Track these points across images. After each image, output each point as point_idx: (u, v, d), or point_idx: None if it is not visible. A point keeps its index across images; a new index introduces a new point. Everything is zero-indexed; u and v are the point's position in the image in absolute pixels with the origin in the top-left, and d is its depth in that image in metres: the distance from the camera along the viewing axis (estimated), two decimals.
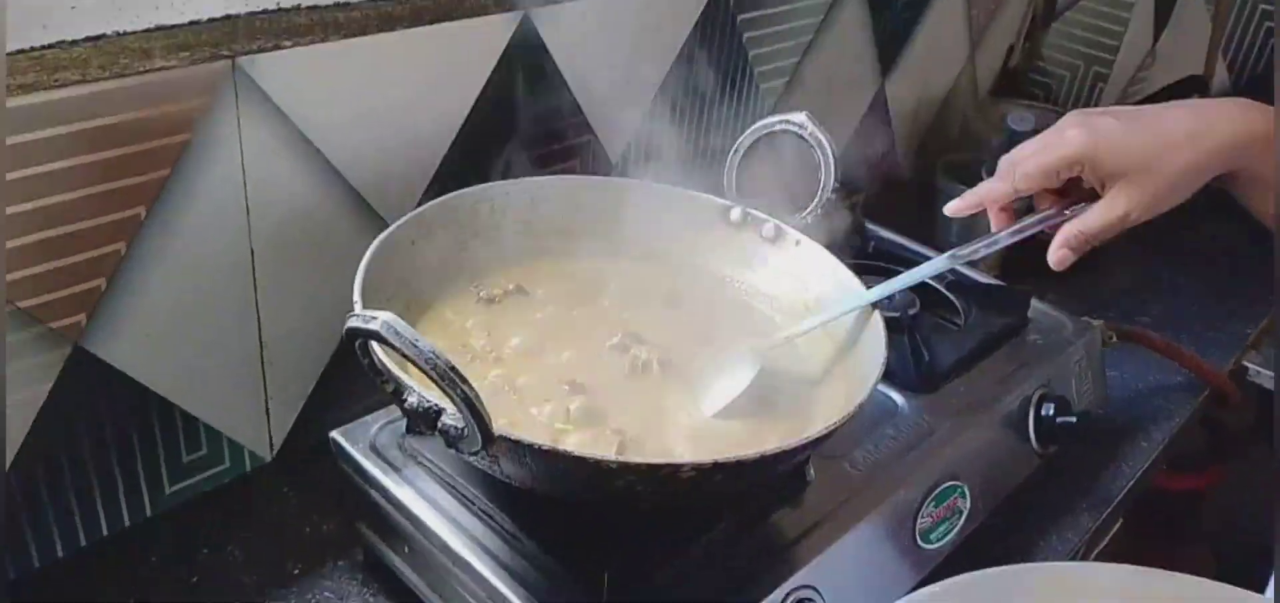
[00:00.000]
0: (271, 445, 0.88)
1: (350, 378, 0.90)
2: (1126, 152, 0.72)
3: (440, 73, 0.84)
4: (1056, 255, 0.76)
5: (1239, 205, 0.78)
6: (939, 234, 1.31)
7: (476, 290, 0.78)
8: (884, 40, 1.36)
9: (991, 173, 1.27)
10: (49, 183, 0.66)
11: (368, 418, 0.77)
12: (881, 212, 1.17)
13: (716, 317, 0.81)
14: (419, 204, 0.85)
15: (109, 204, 0.69)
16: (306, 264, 0.82)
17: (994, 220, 0.79)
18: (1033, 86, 1.69)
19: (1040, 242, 0.77)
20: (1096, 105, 1.63)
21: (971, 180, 1.29)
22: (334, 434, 0.75)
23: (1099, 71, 1.63)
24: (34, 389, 0.71)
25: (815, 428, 0.61)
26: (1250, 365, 1.26)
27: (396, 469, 0.72)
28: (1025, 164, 0.76)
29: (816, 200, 0.81)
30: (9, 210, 0.65)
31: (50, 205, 0.66)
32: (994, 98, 1.66)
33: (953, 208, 0.81)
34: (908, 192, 1.49)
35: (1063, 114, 1.48)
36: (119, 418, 0.76)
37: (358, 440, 0.75)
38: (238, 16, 0.69)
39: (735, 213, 0.84)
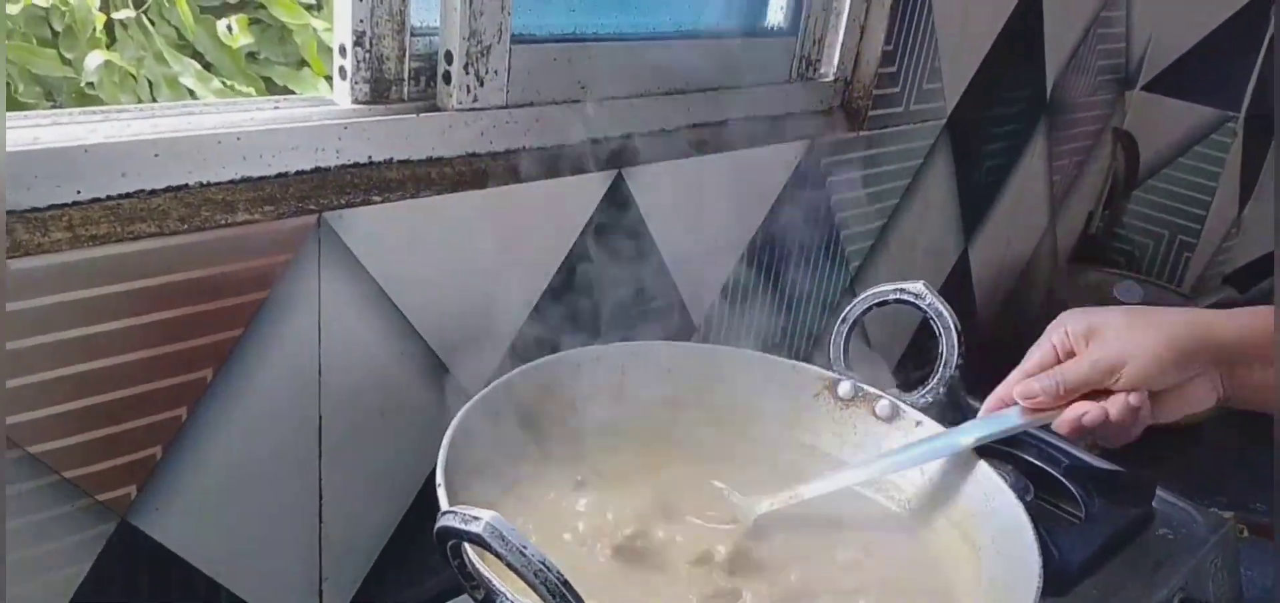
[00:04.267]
0: None
1: (411, 557, 0.82)
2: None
3: (530, 232, 0.79)
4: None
5: None
6: None
7: (568, 469, 0.70)
8: (968, 204, 1.31)
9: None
10: (111, 342, 0.60)
11: None
12: (970, 384, 1.09)
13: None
14: (500, 369, 0.79)
15: (174, 366, 0.63)
16: (376, 431, 0.76)
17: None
18: (1115, 254, 1.62)
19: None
20: (1184, 274, 1.57)
21: None
22: None
23: (1185, 241, 1.57)
24: (74, 568, 0.64)
25: None
26: None
27: None
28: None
29: (938, 377, 0.73)
30: (66, 372, 0.59)
31: (110, 367, 0.61)
32: (1075, 264, 1.60)
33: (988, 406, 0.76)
34: (993, 360, 1.41)
35: (1157, 285, 1.43)
36: (161, 600, 0.69)
37: None
38: (329, 169, 0.64)
39: (844, 387, 0.77)
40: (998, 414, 0.73)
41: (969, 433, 0.72)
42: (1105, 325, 0.71)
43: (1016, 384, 0.73)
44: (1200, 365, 0.70)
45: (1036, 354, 0.74)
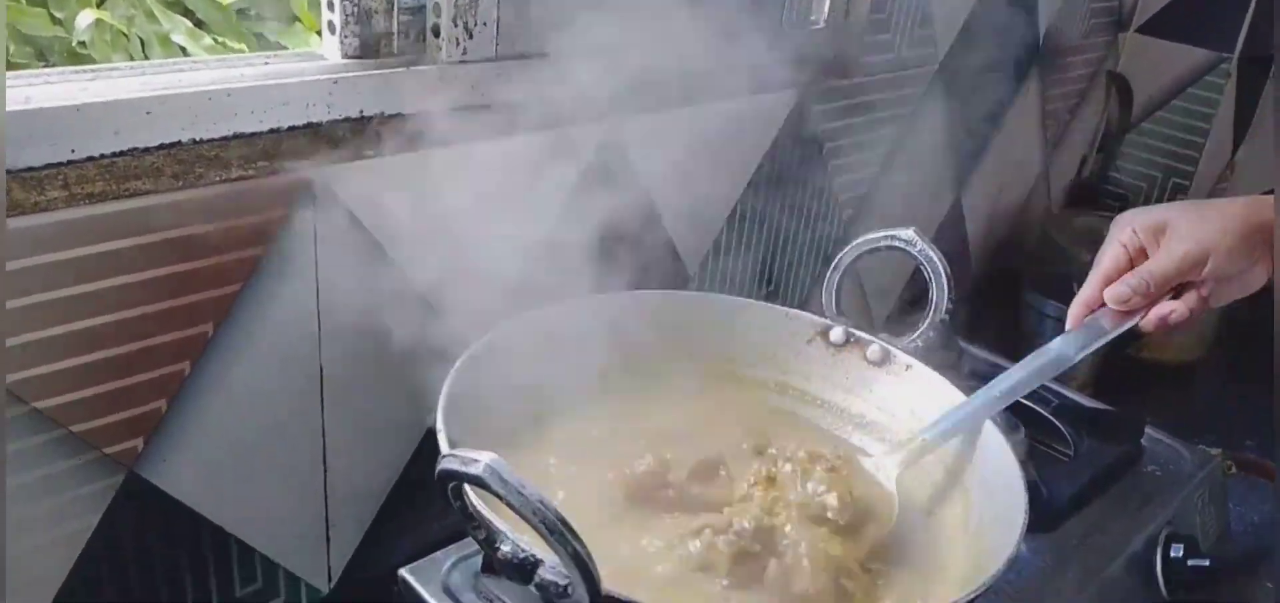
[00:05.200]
0: (330, 576, 0.81)
1: (415, 503, 0.84)
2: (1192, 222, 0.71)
3: (522, 183, 0.80)
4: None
5: None
6: (1031, 350, 1.25)
7: (564, 416, 0.72)
8: (961, 151, 1.31)
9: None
10: (112, 299, 0.61)
11: (438, 555, 0.71)
12: (964, 328, 1.11)
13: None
14: (496, 319, 0.80)
15: (175, 321, 0.64)
16: (376, 382, 0.77)
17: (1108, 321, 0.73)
18: (1108, 198, 1.63)
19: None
20: None
21: (1062, 294, 1.23)
22: (403, 573, 0.69)
23: (1178, 183, 1.57)
24: (83, 521, 0.65)
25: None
26: None
27: None
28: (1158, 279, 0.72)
29: (928, 321, 0.75)
30: (68, 329, 0.60)
31: (112, 323, 0.62)
32: (1068, 208, 1.60)
33: (1075, 317, 0.75)
34: (987, 304, 1.42)
35: None
36: (170, 550, 0.71)
37: (429, 580, 0.68)
38: (320, 125, 0.65)
39: (836, 332, 0.78)
40: (1090, 324, 0.73)
41: (1072, 346, 0.72)
42: (1173, 221, 0.71)
43: (1102, 289, 0.73)
44: (1261, 250, 0.71)
45: (1108, 259, 0.74)
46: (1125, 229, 0.74)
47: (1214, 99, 1.51)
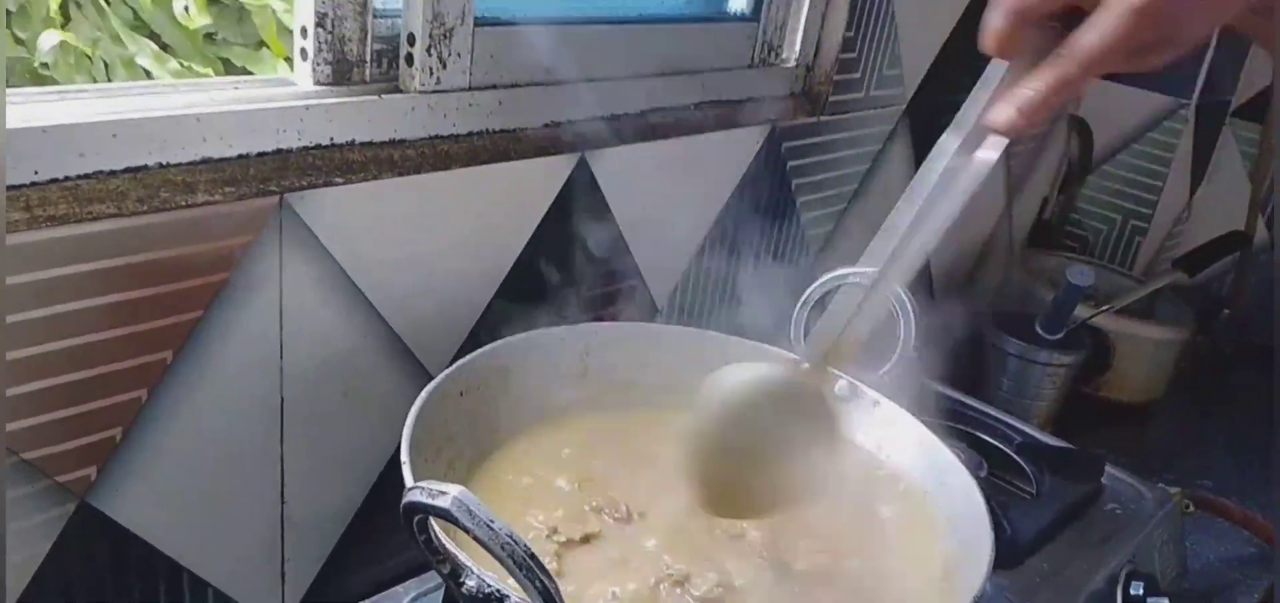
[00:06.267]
0: None
1: (374, 537, 0.83)
2: None
3: (493, 214, 0.79)
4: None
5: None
6: (993, 388, 1.26)
7: (529, 449, 0.71)
8: None
9: (1046, 326, 1.24)
10: (70, 324, 0.60)
11: (398, 589, 0.70)
12: (927, 365, 1.12)
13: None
14: (463, 350, 0.80)
15: (134, 347, 0.63)
16: (338, 413, 0.76)
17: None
18: (1068, 239, 1.66)
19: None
20: (1135, 258, 1.60)
21: (1025, 333, 1.26)
22: None
23: (1137, 226, 1.61)
24: (32, 550, 0.63)
25: None
26: None
27: None
28: None
29: (895, 359, 0.75)
30: (23, 354, 0.58)
31: (69, 348, 0.60)
32: (1029, 249, 1.63)
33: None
34: (949, 341, 1.44)
35: (1109, 268, 1.45)
36: (122, 581, 0.69)
37: None
38: (290, 151, 0.64)
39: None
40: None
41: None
42: None
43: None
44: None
45: None
46: None
47: (1172, 144, 1.55)
